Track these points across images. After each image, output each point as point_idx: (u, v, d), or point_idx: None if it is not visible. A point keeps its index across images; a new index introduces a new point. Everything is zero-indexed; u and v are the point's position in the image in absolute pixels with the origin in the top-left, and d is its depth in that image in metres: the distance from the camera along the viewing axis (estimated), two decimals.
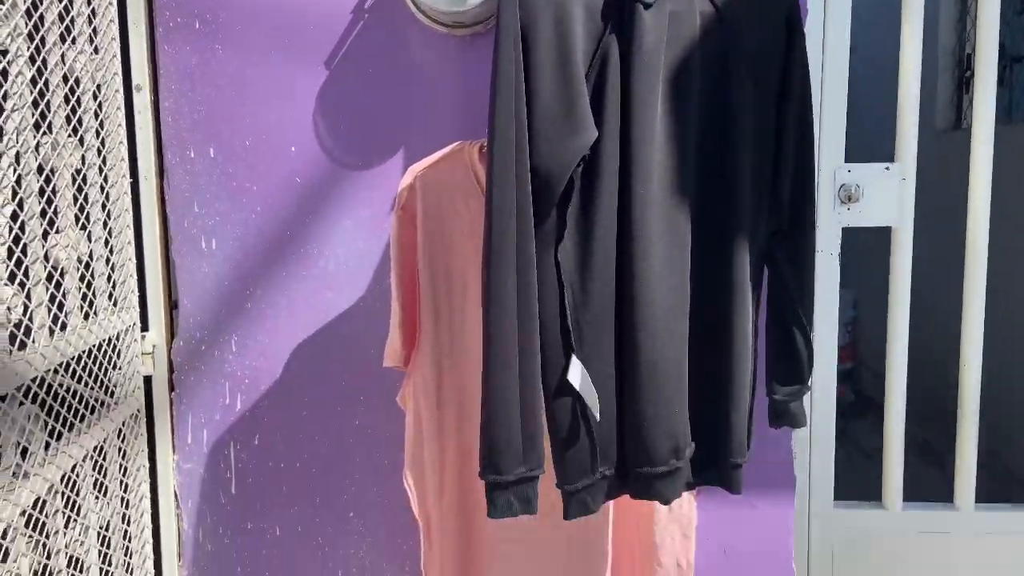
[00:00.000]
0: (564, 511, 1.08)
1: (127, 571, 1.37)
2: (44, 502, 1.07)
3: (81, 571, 1.19)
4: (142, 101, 1.40)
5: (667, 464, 1.08)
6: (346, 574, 1.49)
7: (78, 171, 1.20)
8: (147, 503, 1.47)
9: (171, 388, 1.49)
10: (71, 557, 1.15)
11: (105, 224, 1.31)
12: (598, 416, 1.05)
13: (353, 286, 1.44)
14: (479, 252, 1.20)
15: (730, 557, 1.44)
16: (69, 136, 1.17)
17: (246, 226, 1.44)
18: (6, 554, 0.96)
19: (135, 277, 1.43)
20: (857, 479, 1.61)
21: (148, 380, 1.48)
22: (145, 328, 1.46)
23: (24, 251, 1.03)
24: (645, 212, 1.05)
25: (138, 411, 1.44)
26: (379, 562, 1.49)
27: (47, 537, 1.08)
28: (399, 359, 1.26)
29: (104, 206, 1.30)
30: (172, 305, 1.48)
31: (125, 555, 1.37)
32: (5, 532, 0.95)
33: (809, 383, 1.20)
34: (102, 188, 1.30)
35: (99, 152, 1.28)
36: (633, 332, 1.06)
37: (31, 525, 1.02)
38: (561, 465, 1.07)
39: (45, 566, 1.07)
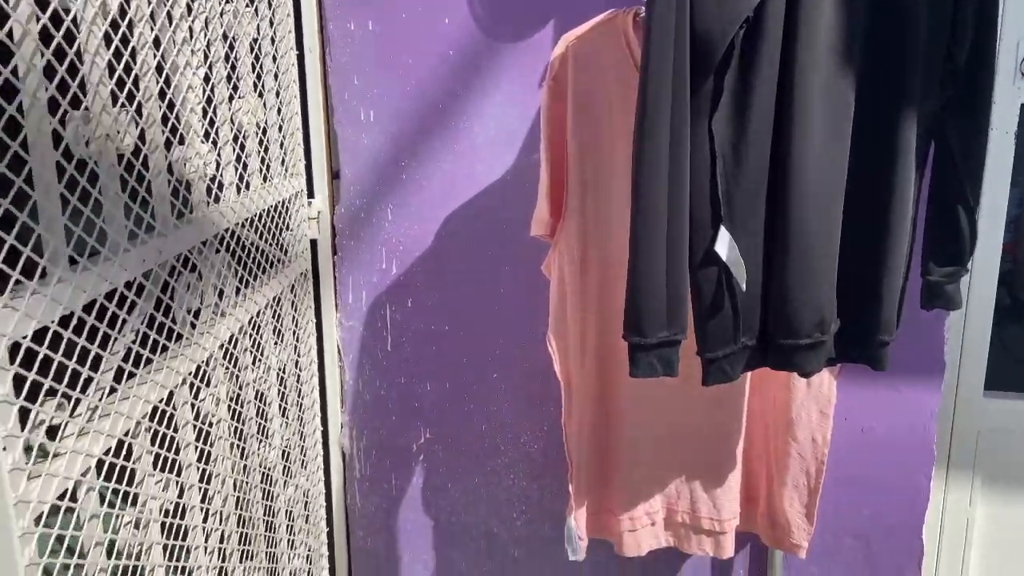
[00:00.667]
0: (703, 378, 1.12)
1: (299, 409, 1.55)
2: (236, 340, 1.21)
3: (264, 403, 1.35)
4: None
5: (810, 337, 1.08)
6: (489, 429, 1.61)
7: (255, 40, 1.29)
8: (314, 354, 1.63)
9: (334, 252, 1.61)
10: (257, 391, 1.31)
11: (277, 93, 1.41)
12: (744, 287, 1.06)
13: (502, 159, 1.48)
14: (628, 122, 1.20)
15: (868, 437, 1.45)
16: (247, 5, 1.25)
17: (402, 98, 1.50)
18: (208, 380, 1.12)
19: (302, 146, 1.54)
20: (1006, 386, 1.54)
21: (314, 243, 1.61)
22: (311, 195, 1.58)
23: (215, 112, 1.13)
24: (808, 80, 1.02)
25: (306, 271, 1.57)
26: (519, 420, 1.60)
27: (239, 371, 1.23)
28: (546, 228, 1.31)
29: (276, 76, 1.39)
30: (334, 174, 1.59)
31: (298, 396, 1.54)
32: (208, 360, 1.10)
33: (968, 265, 1.15)
34: (274, 58, 1.38)
35: (271, 23, 1.36)
36: (786, 204, 1.05)
37: (227, 358, 1.17)
38: (703, 333, 1.10)
39: (237, 395, 1.23)
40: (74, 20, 0.77)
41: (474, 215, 1.52)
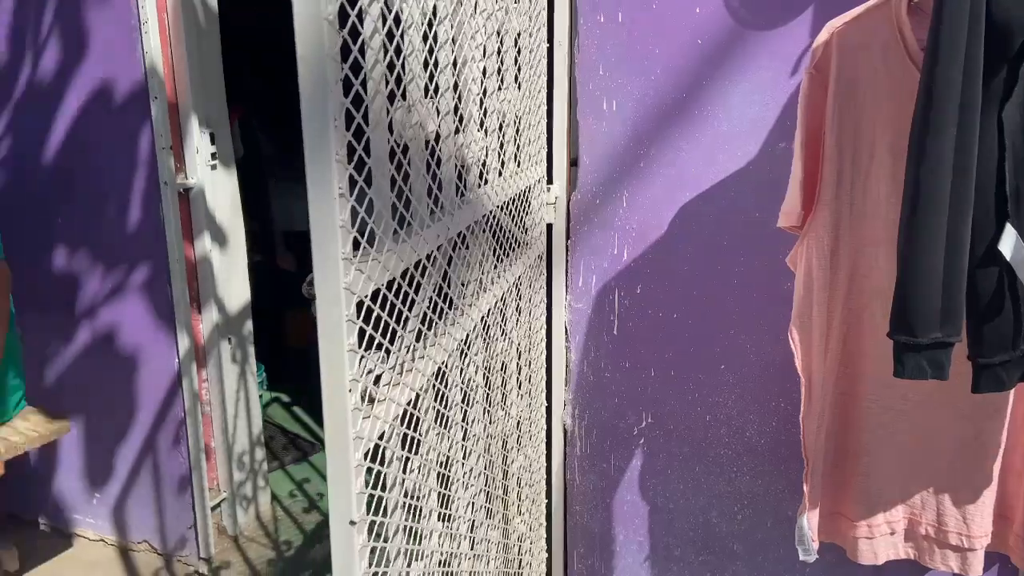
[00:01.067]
0: (973, 384, 1.06)
1: (529, 384, 1.63)
2: (491, 314, 1.31)
3: (506, 373, 1.44)
4: None
5: None
6: (713, 420, 1.61)
7: (519, 35, 1.37)
8: (543, 333, 1.71)
9: (567, 236, 1.68)
10: (502, 362, 1.41)
11: (530, 85, 1.48)
12: None
13: (746, 148, 1.47)
14: (895, 112, 1.16)
15: None
16: (515, 2, 1.33)
17: (646, 88, 1.53)
18: (471, 348, 1.21)
19: (545, 134, 1.61)
20: None
21: (549, 227, 1.68)
22: (550, 181, 1.65)
23: (486, 103, 1.22)
24: None
25: (542, 253, 1.65)
26: (745, 414, 1.58)
27: (491, 343, 1.33)
28: (796, 220, 1.29)
29: (533, 68, 1.47)
30: (572, 162, 1.65)
31: (528, 371, 1.63)
32: (474, 328, 1.19)
33: None
34: (531, 52, 1.46)
35: (530, 18, 1.44)
36: None
37: (484, 330, 1.27)
38: (978, 336, 1.04)
39: (489, 365, 1.33)
40: (397, 20, 0.87)
41: (712, 204, 1.52)
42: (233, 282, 2.34)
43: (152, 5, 1.93)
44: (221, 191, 2.25)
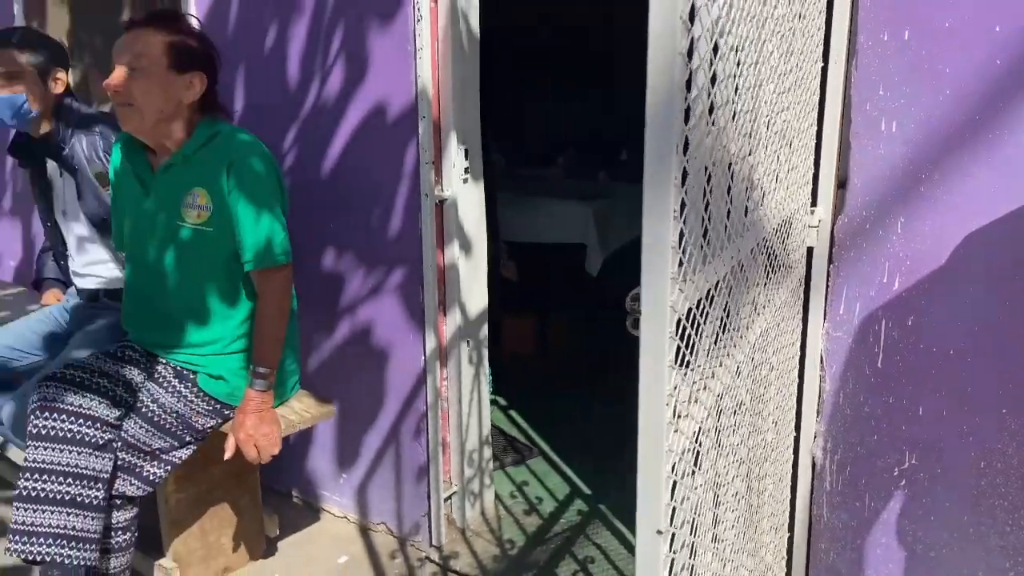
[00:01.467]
0: None
1: (780, 411, 1.59)
2: (760, 338, 1.29)
3: (765, 398, 1.42)
4: None
5: None
6: (989, 467, 1.48)
7: (800, 54, 1.35)
8: (796, 360, 1.66)
9: (830, 261, 1.61)
10: (763, 387, 1.38)
11: (803, 105, 1.45)
12: None
13: None
14: None
15: None
16: (801, 20, 1.31)
17: (931, 109, 1.44)
18: (743, 368, 1.21)
19: (812, 155, 1.56)
20: None
21: (810, 251, 1.63)
22: (813, 203, 1.60)
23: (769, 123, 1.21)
24: None
25: (801, 278, 1.60)
26: None
27: (757, 365, 1.31)
28: None
29: (807, 87, 1.44)
30: (839, 184, 1.59)
31: (780, 396, 1.58)
32: (748, 350, 1.19)
33: None
34: (808, 71, 1.43)
35: (810, 38, 1.41)
36: None
37: (754, 352, 1.26)
38: None
39: (754, 389, 1.31)
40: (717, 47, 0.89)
41: (1006, 235, 1.40)
42: (474, 289, 2.48)
43: (427, 33, 2.11)
44: (469, 203, 2.40)
